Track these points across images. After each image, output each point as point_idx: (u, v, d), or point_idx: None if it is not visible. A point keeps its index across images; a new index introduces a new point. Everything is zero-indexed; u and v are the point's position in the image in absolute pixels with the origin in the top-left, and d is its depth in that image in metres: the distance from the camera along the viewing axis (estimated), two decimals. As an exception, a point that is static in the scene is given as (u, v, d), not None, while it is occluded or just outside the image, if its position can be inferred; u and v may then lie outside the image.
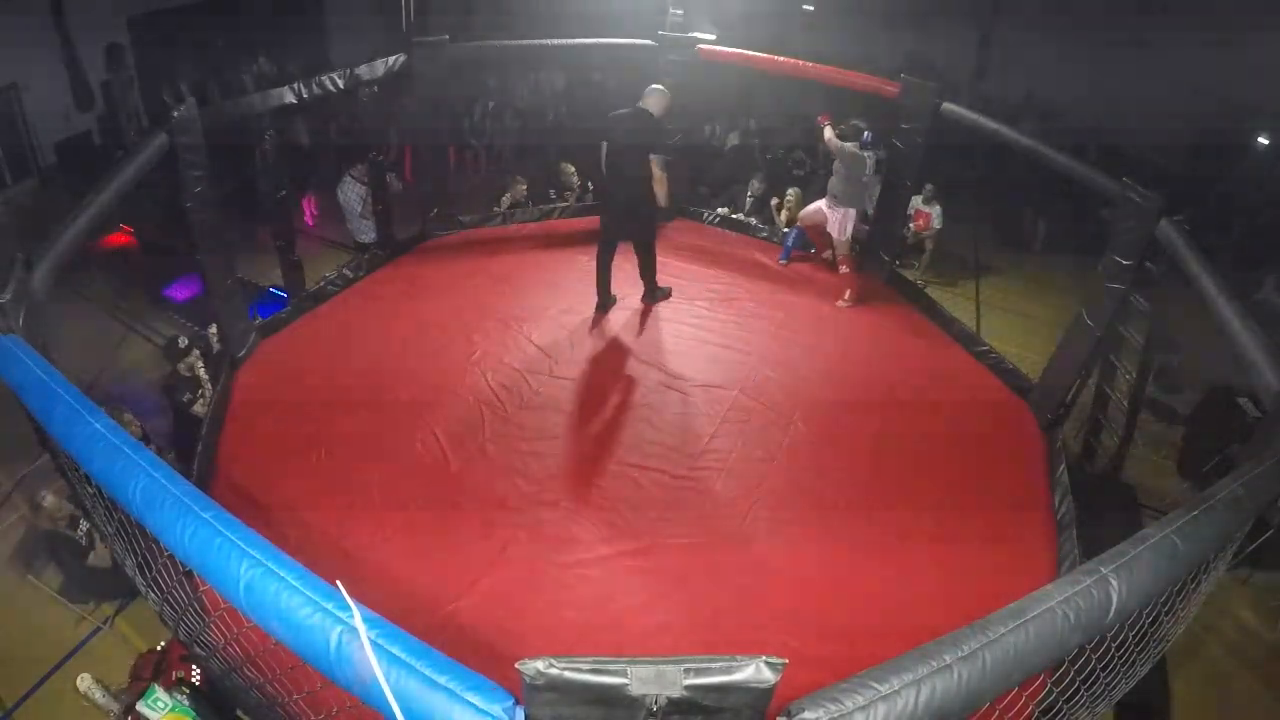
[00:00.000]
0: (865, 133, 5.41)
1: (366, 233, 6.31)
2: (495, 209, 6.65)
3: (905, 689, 1.32)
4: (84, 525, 3.99)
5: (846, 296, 5.69)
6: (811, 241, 6.25)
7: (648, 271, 5.38)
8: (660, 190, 4.99)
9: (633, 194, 4.91)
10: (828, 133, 5.46)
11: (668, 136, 5.13)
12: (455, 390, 4.52)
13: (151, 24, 9.21)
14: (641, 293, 5.49)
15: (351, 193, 6.38)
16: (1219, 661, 4.21)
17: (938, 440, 4.42)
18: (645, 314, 5.39)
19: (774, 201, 6.96)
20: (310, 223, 7.77)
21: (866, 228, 6.51)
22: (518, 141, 9.51)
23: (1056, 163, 4.59)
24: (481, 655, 3.02)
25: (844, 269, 5.69)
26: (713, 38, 6.34)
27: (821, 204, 5.67)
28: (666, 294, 5.59)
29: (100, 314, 6.50)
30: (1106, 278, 4.16)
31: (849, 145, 5.37)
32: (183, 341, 4.94)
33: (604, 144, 4.93)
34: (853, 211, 5.51)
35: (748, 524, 3.80)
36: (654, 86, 5.01)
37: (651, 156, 4.88)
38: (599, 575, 3.49)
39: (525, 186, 6.80)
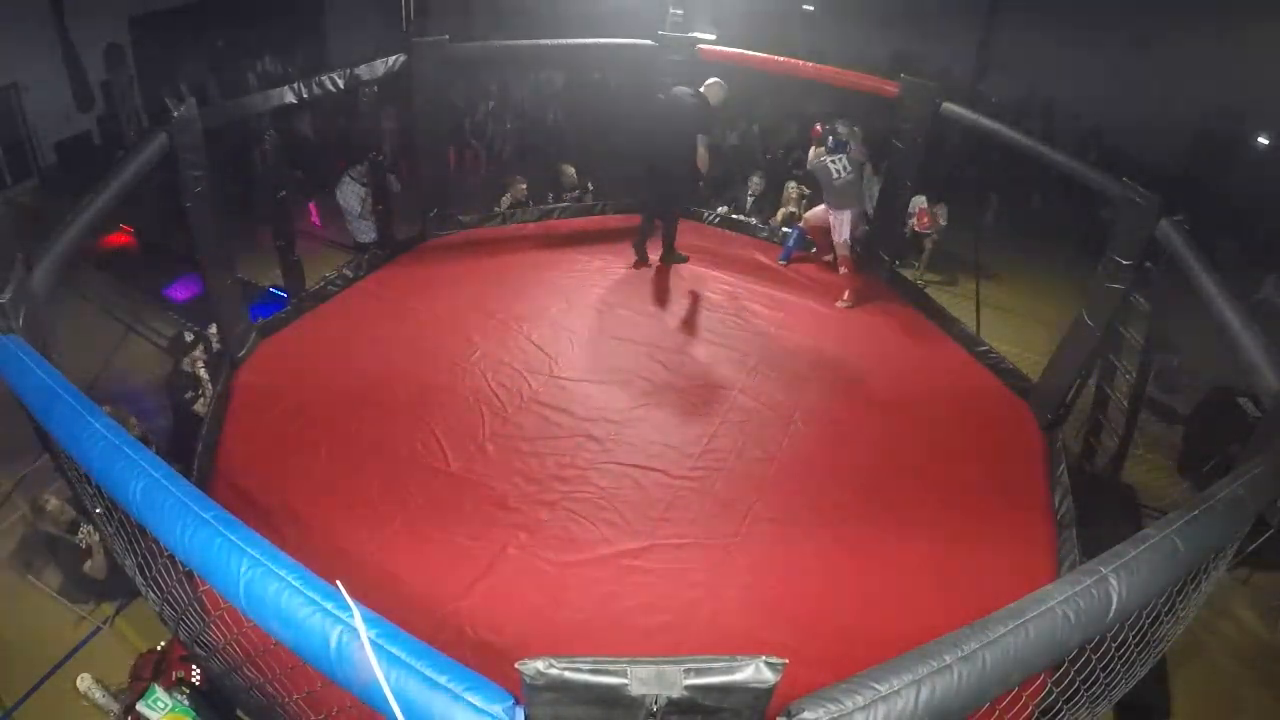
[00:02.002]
0: (829, 138, 5.48)
1: (366, 233, 6.30)
2: (495, 209, 6.65)
3: (905, 689, 1.32)
4: (83, 529, 3.99)
5: (846, 297, 5.70)
6: (813, 241, 6.26)
7: (669, 237, 5.94)
8: (702, 166, 5.52)
9: (677, 166, 5.48)
10: (810, 153, 5.63)
11: (715, 123, 5.58)
12: (455, 390, 4.52)
13: (151, 24, 9.21)
14: (641, 294, 5.52)
15: (350, 194, 6.37)
16: (1219, 661, 4.21)
17: (938, 440, 4.42)
18: (645, 314, 5.40)
19: (781, 211, 6.93)
20: (317, 223, 7.73)
21: (866, 228, 6.51)
22: (518, 141, 9.51)
23: (1057, 162, 4.59)
24: (481, 655, 3.03)
25: (844, 270, 5.70)
26: (713, 38, 6.35)
27: (823, 207, 5.72)
28: (683, 259, 6.01)
29: (100, 314, 6.49)
30: (1106, 278, 4.16)
31: (812, 156, 5.54)
32: (189, 335, 4.94)
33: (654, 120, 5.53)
34: (847, 214, 5.52)
35: (748, 524, 3.80)
36: (713, 79, 5.54)
37: (700, 136, 5.40)
38: (599, 575, 3.49)
39: (525, 186, 6.79)
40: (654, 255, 6.00)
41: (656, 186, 5.81)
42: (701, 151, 5.41)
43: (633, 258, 5.96)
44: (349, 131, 7.91)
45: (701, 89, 5.49)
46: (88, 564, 3.97)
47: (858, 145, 5.58)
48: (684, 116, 5.41)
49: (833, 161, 5.43)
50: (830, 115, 6.19)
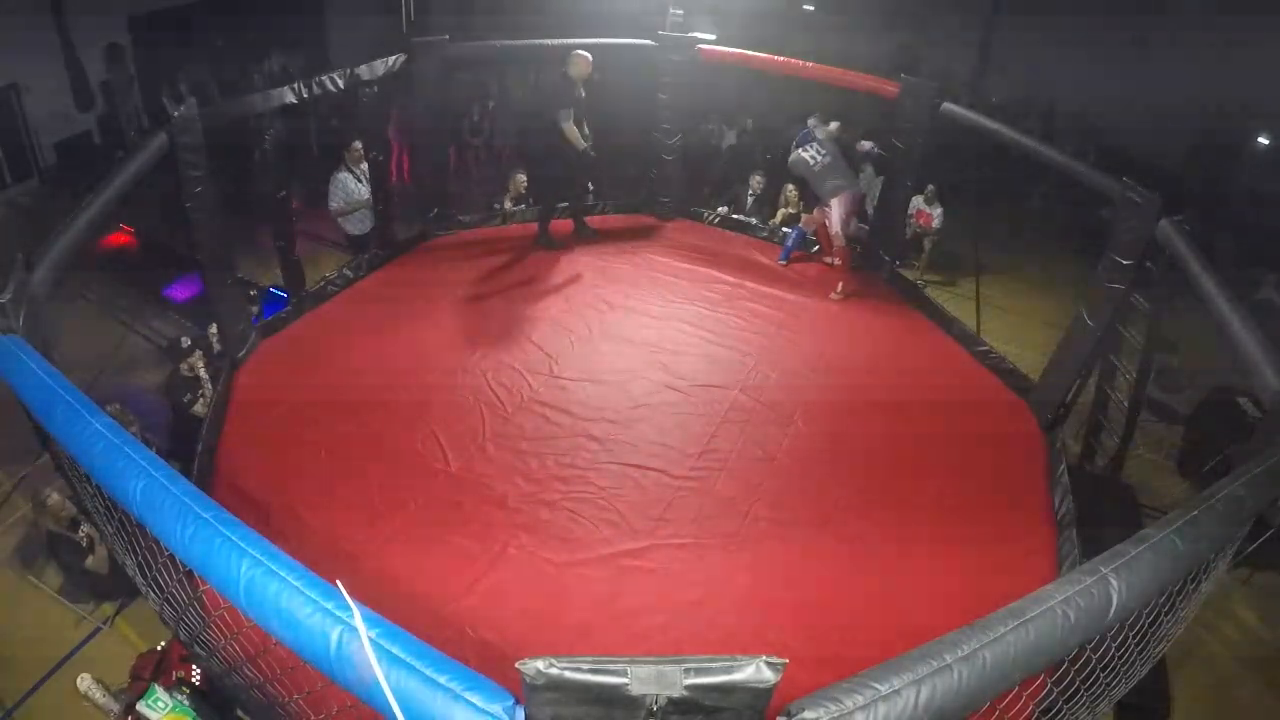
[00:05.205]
0: (802, 130, 5.72)
1: (355, 225, 6.11)
2: (497, 206, 6.64)
3: (905, 689, 1.31)
4: (84, 528, 4.00)
5: (839, 289, 5.73)
6: (814, 240, 6.27)
7: (544, 218, 6.18)
8: (572, 139, 5.52)
9: (550, 146, 5.63)
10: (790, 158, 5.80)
11: (569, 92, 5.56)
12: (455, 390, 4.52)
13: (151, 24, 9.20)
14: (641, 294, 5.57)
15: (339, 187, 6.05)
16: (1219, 662, 4.21)
17: (938, 440, 4.42)
18: (645, 314, 5.40)
19: (781, 211, 6.95)
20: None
21: (865, 227, 6.52)
22: (518, 141, 9.49)
23: (1056, 162, 4.59)
24: (481, 655, 3.03)
25: (838, 261, 5.80)
26: (713, 38, 6.35)
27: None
28: (555, 245, 6.12)
29: (100, 314, 6.49)
30: (1106, 278, 4.16)
31: (790, 159, 5.73)
32: (185, 342, 4.95)
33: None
34: (831, 204, 5.60)
35: (748, 524, 3.80)
36: (575, 52, 5.52)
37: (558, 112, 5.46)
38: (599, 575, 3.50)
39: (524, 178, 6.77)
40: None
41: (542, 170, 6.11)
42: (567, 127, 5.47)
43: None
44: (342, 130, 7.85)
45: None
46: (89, 559, 3.98)
47: (824, 128, 5.75)
48: (545, 96, 5.66)
49: (804, 150, 5.63)
50: (825, 116, 6.21)
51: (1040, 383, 4.77)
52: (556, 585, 3.43)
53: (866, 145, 6.83)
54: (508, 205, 6.65)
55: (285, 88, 4.69)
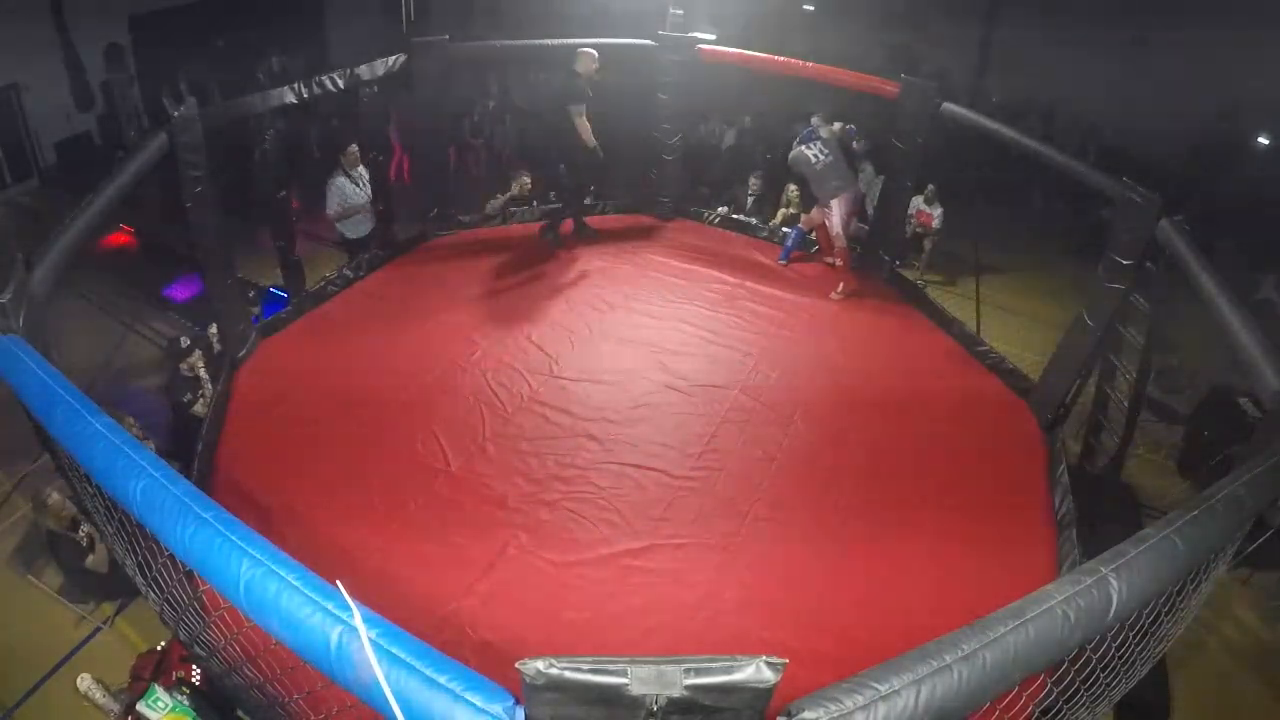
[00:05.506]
0: (805, 128, 5.71)
1: (351, 229, 6.02)
2: (496, 197, 6.61)
3: (905, 689, 1.32)
4: (84, 528, 4.00)
5: (840, 289, 5.73)
6: (814, 240, 6.27)
7: (557, 216, 6.26)
8: (584, 135, 5.62)
9: (562, 139, 5.68)
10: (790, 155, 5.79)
11: (580, 88, 5.60)
12: (455, 390, 4.52)
13: (151, 24, 9.21)
14: (641, 294, 5.56)
15: (336, 191, 6.06)
16: (1219, 661, 4.21)
17: (938, 440, 4.42)
18: (645, 314, 5.39)
19: (781, 212, 6.96)
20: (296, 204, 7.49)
21: (865, 227, 6.52)
22: (518, 141, 9.50)
23: (1056, 162, 4.58)
24: (481, 655, 3.03)
25: (839, 261, 5.79)
26: (713, 38, 6.35)
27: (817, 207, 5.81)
28: (557, 242, 6.14)
29: (100, 314, 6.49)
30: (1106, 278, 4.16)
31: (791, 155, 5.71)
32: (184, 342, 4.95)
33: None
34: (834, 204, 5.60)
35: (748, 524, 3.80)
36: (581, 49, 5.59)
37: (570, 107, 5.51)
38: (599, 575, 3.50)
39: (529, 180, 6.76)
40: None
41: (545, 170, 6.20)
42: (579, 122, 5.55)
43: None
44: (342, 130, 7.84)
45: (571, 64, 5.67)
46: (90, 559, 3.97)
47: (828, 128, 5.73)
48: (553, 95, 5.74)
49: (806, 148, 5.61)
50: (828, 116, 6.21)
51: (1040, 383, 4.77)
52: (556, 585, 3.43)
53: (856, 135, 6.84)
54: (507, 202, 6.64)
55: (285, 88, 4.69)
